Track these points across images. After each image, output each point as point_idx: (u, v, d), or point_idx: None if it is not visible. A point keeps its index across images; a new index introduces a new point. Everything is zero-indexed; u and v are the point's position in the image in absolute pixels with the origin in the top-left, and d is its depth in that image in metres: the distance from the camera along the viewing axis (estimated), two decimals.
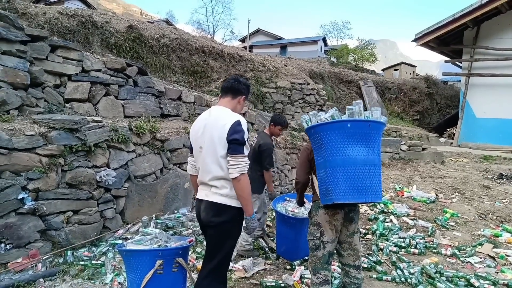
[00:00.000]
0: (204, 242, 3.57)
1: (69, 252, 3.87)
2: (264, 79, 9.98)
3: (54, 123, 3.89)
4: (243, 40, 44.37)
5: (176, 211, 5.07)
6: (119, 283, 3.48)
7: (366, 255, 4.45)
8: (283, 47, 40.43)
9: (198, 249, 4.32)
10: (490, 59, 13.45)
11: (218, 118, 2.52)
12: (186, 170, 5.24)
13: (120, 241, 4.18)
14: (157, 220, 4.68)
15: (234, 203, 2.51)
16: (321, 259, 2.87)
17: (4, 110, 3.96)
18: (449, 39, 14.69)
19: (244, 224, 2.61)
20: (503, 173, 7.83)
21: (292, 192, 6.48)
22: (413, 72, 39.07)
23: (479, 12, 12.62)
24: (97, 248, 4.09)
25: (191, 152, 2.77)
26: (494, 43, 13.40)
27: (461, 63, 15.15)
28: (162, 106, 5.55)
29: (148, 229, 4.26)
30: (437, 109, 19.36)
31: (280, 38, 45.90)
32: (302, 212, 4.29)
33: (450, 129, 16.19)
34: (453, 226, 5.49)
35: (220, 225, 2.49)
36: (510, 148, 12.28)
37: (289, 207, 4.52)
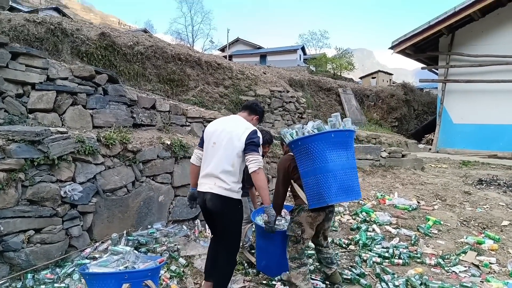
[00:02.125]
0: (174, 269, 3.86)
1: (29, 275, 3.54)
2: (243, 87, 9.81)
3: (13, 135, 3.58)
4: (222, 50, 44.36)
5: (149, 226, 4.78)
6: None
7: (350, 267, 4.28)
8: (263, 56, 40.59)
9: (173, 267, 4.05)
10: (465, 65, 13.71)
11: (239, 123, 3.11)
12: (160, 183, 5.04)
13: (87, 261, 3.87)
14: (129, 237, 4.38)
15: (235, 195, 2.99)
16: (299, 251, 3.41)
17: None
18: (425, 46, 14.93)
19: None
20: (482, 179, 7.86)
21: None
22: (390, 80, 39.89)
23: (453, 19, 12.87)
24: (61, 269, 3.76)
25: (200, 146, 3.22)
26: (468, 49, 13.67)
27: (437, 70, 15.42)
28: (134, 115, 5.28)
29: (118, 247, 3.98)
30: (415, 116, 19.65)
31: (260, 47, 46.10)
32: (283, 224, 4.09)
33: (428, 135, 16.40)
34: (436, 234, 5.40)
35: (227, 211, 2.97)
36: (487, 153, 12.48)
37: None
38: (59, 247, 3.88)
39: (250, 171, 2.87)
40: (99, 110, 4.86)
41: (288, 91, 11.10)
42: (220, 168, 2.94)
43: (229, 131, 3.01)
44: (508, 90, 12.77)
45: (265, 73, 11.66)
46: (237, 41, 47.06)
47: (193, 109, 6.38)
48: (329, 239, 3.94)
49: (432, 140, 14.87)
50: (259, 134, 3.02)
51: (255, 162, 2.85)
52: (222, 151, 2.97)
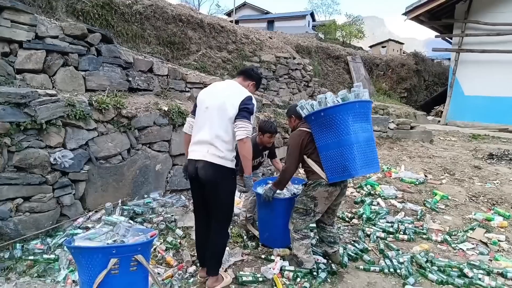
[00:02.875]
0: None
1: (18, 245, 3.40)
2: (247, 52, 9.37)
3: None
4: (229, 14, 42.93)
5: (146, 196, 4.61)
6: (74, 281, 3.04)
7: (352, 242, 4.12)
8: (270, 22, 39.32)
9: (169, 238, 3.90)
10: (481, 34, 13.03)
11: (234, 88, 2.91)
12: (157, 151, 4.82)
13: (80, 231, 3.73)
14: (124, 207, 4.22)
15: (229, 164, 2.80)
16: (307, 223, 3.31)
17: None
18: (440, 13, 14.17)
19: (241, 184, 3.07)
20: (493, 153, 7.58)
21: (275, 174, 6.07)
22: (401, 49, 38.67)
23: None
24: (52, 239, 3.63)
25: (193, 113, 3.02)
26: (486, 17, 12.93)
27: (451, 38, 14.73)
28: (130, 78, 4.98)
29: (112, 217, 3.83)
30: (425, 87, 19.06)
31: (267, 13, 44.61)
32: (284, 193, 3.88)
33: (437, 107, 15.93)
34: (443, 209, 5.21)
35: (220, 181, 2.77)
36: (498, 127, 12.09)
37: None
38: (50, 216, 3.72)
39: (237, 138, 2.71)
40: (92, 72, 4.57)
41: (294, 58, 10.63)
42: (213, 134, 2.76)
43: (223, 95, 2.82)
44: None
45: (271, 38, 11.15)
46: (244, 5, 45.50)
47: (193, 74, 6.06)
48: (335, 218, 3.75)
49: (442, 112, 14.45)
50: (254, 101, 2.83)
51: (244, 129, 2.68)
52: (216, 117, 2.78)
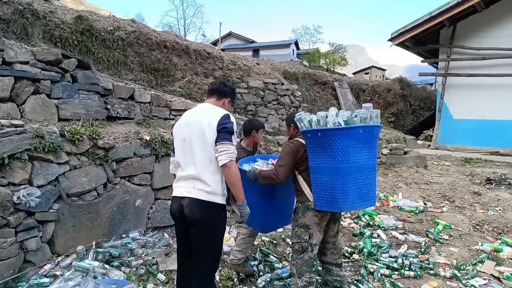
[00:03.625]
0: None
1: None
2: (234, 78, 9.14)
3: None
4: (215, 44, 43.43)
5: (124, 236, 4.14)
6: None
7: (355, 282, 3.71)
8: (256, 51, 39.83)
9: (150, 285, 3.42)
10: (467, 58, 13.17)
11: (207, 110, 2.55)
12: (137, 184, 4.39)
13: (46, 280, 3.24)
14: (98, 249, 3.74)
15: (219, 199, 2.43)
16: (307, 261, 2.85)
17: None
18: (425, 39, 14.36)
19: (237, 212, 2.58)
20: (491, 177, 7.35)
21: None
22: (383, 75, 39.54)
23: (456, 10, 12.31)
24: None
25: (173, 152, 2.69)
26: (470, 42, 13.13)
27: (437, 63, 14.89)
28: (109, 106, 4.61)
29: (84, 263, 3.38)
30: (411, 111, 19.16)
31: (253, 42, 45.33)
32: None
33: (426, 131, 15.91)
34: (447, 240, 4.86)
35: (208, 221, 2.41)
36: (489, 150, 12.00)
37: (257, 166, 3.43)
38: (11, 264, 3.23)
39: (219, 163, 2.35)
40: (66, 100, 4.19)
41: (283, 84, 10.47)
42: (198, 166, 2.41)
43: (197, 120, 2.46)
44: (510, 84, 12.29)
45: (258, 64, 11.01)
46: (229, 35, 46.21)
47: (178, 101, 5.72)
48: (342, 258, 3.21)
49: (431, 136, 14.38)
50: (233, 119, 2.47)
51: (226, 153, 2.33)
52: (196, 147, 2.43)
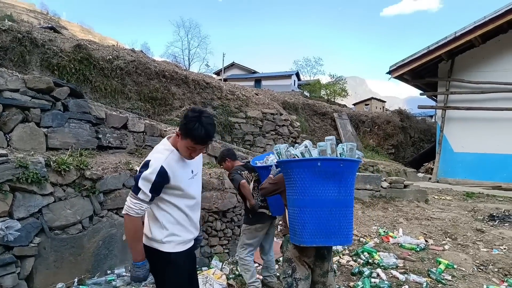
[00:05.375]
0: None
1: None
2: (233, 108, 9.12)
3: None
4: (218, 73, 44.16)
5: (109, 272, 3.92)
6: None
7: None
8: (258, 81, 40.39)
9: None
10: (465, 92, 13.23)
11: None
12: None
13: None
14: (81, 286, 3.54)
15: (160, 246, 2.20)
16: None
17: None
18: (424, 72, 14.50)
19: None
20: (494, 214, 7.14)
21: None
22: (383, 107, 39.86)
23: (453, 45, 12.48)
24: None
25: None
26: (469, 76, 13.22)
27: (436, 96, 14.94)
28: (100, 135, 4.51)
29: None
30: (411, 143, 19.10)
31: (255, 72, 46.03)
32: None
33: (427, 163, 15.75)
34: (450, 281, 4.61)
35: (152, 266, 2.20)
36: (490, 184, 11.80)
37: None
38: None
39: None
40: (55, 129, 4.09)
41: (281, 114, 10.44)
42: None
43: None
44: (510, 118, 12.26)
45: (257, 95, 11.02)
46: (232, 65, 46.99)
47: (173, 130, 5.62)
48: None
49: (432, 168, 14.22)
50: (151, 165, 2.07)
51: (125, 205, 2.13)
52: None
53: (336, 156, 2.55)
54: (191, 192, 2.23)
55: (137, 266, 2.13)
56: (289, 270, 2.69)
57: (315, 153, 2.55)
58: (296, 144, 2.78)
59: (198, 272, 4.60)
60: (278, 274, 4.51)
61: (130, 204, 2.09)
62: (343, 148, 2.56)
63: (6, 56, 5.78)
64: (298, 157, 2.54)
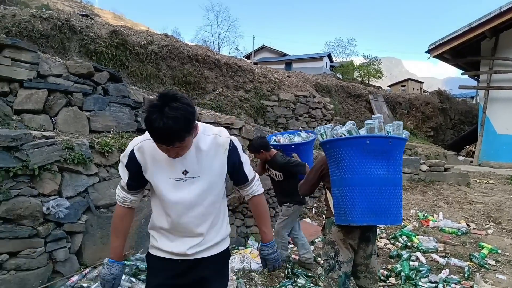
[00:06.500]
0: None
1: None
2: (265, 91, 9.07)
3: None
4: (248, 57, 43.98)
5: None
6: None
7: None
8: (288, 64, 39.84)
9: None
10: (510, 71, 12.43)
11: None
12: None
13: None
14: (126, 262, 3.69)
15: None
16: (336, 281, 2.68)
17: None
18: (465, 51, 13.67)
19: None
20: None
21: None
22: (421, 88, 38.23)
23: (498, 21, 11.65)
24: None
25: None
26: None
27: (478, 76, 14.14)
28: (139, 119, 4.64)
29: None
30: (451, 125, 18.28)
31: (285, 55, 45.39)
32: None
33: (468, 146, 15.06)
34: (493, 266, 4.45)
35: None
36: None
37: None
38: (40, 274, 3.23)
39: None
40: (97, 113, 4.24)
41: (314, 96, 10.27)
42: None
43: None
44: None
45: (289, 77, 10.89)
46: (262, 48, 46.55)
47: (207, 113, 5.69)
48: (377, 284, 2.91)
49: (473, 151, 13.59)
50: (129, 144, 1.78)
51: None
52: None
53: (384, 134, 2.50)
54: (171, 197, 1.71)
55: (105, 261, 1.93)
56: (332, 253, 2.70)
57: (362, 132, 2.53)
58: (340, 125, 2.75)
59: (235, 251, 4.72)
60: (314, 254, 4.55)
61: (116, 190, 1.87)
62: (391, 127, 2.54)
63: (47, 43, 6.01)
64: (345, 135, 2.52)
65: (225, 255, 1.93)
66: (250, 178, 1.90)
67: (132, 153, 1.70)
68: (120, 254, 1.89)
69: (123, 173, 1.76)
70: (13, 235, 3.08)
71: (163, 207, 1.76)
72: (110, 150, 3.82)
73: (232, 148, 1.78)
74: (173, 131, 1.45)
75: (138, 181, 1.76)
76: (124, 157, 1.73)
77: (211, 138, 1.73)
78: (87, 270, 3.57)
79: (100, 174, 3.77)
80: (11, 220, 3.10)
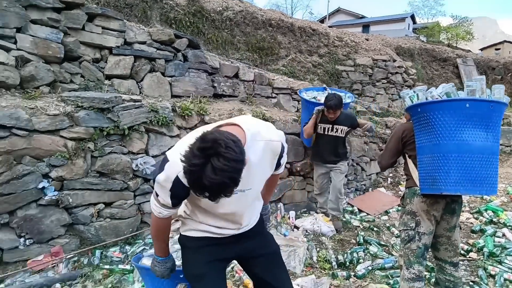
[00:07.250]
0: None
1: (98, 252, 3.34)
2: (340, 55, 8.72)
3: (82, 101, 3.34)
4: (322, 21, 42.33)
5: None
6: None
7: (471, 283, 3.27)
8: (366, 26, 37.50)
9: None
10: None
11: None
12: None
13: None
14: None
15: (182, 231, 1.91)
16: (415, 252, 2.59)
17: (34, 87, 3.53)
18: None
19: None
20: None
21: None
22: None
23: None
24: (131, 247, 3.53)
25: None
26: None
27: None
28: (215, 84, 4.80)
29: None
30: None
31: (363, 17, 42.76)
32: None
33: None
34: None
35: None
36: None
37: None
38: (130, 223, 3.63)
39: None
40: (178, 78, 4.48)
41: (394, 61, 9.62)
42: None
43: None
44: None
45: (367, 40, 10.31)
46: (338, 11, 44.33)
47: (280, 79, 5.69)
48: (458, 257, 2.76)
49: None
50: (167, 167, 1.49)
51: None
52: None
53: (486, 97, 2.30)
54: (220, 210, 1.64)
55: (156, 261, 1.92)
56: (412, 223, 2.61)
57: (462, 94, 2.34)
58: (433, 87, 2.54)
59: (306, 215, 4.80)
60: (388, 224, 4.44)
61: (152, 204, 1.70)
62: (491, 91, 2.35)
63: (131, 12, 6.39)
64: (441, 98, 2.35)
65: (261, 217, 1.97)
66: (283, 163, 1.87)
67: (177, 180, 1.48)
68: (167, 252, 1.93)
69: (165, 197, 1.56)
70: (108, 187, 3.47)
71: (210, 212, 1.70)
72: (189, 114, 4.04)
73: (282, 150, 1.72)
74: (218, 193, 1.29)
75: (184, 197, 1.63)
76: (166, 182, 1.51)
77: (262, 145, 1.59)
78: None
79: (181, 136, 4.02)
80: (105, 174, 3.48)
